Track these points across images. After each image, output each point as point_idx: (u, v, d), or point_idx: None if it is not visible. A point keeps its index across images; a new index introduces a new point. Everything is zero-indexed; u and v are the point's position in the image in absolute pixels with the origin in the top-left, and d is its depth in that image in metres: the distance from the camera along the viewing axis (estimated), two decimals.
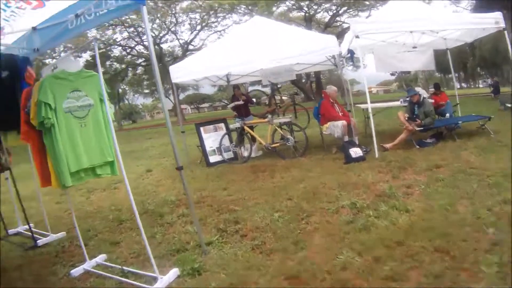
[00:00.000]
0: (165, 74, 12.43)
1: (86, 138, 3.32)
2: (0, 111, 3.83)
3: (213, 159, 8.56)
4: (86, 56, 26.98)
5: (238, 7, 31.59)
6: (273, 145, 8.10)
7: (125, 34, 34.33)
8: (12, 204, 5.55)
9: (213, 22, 35.05)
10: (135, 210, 3.15)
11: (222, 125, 9.12)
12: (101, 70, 3.30)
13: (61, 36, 3.99)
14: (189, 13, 33.69)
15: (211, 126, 9.00)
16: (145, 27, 3.51)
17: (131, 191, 3.20)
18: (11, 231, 5.46)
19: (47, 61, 23.95)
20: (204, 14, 33.51)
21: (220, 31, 35.11)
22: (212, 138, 8.80)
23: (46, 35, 4.19)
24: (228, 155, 8.70)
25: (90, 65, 18.91)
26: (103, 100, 3.45)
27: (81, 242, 3.78)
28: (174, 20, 34.30)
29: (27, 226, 4.98)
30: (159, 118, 65.05)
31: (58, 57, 23.80)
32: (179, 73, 8.47)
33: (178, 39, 37.27)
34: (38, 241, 4.69)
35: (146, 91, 50.08)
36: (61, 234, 4.87)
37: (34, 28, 4.23)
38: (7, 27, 4.22)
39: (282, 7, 32.79)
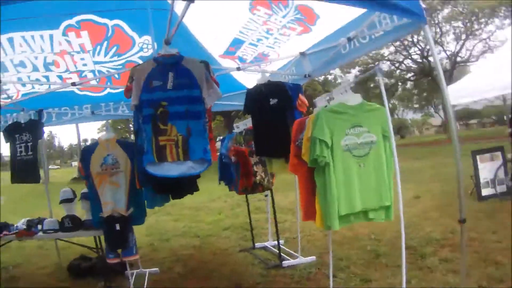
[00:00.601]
0: (435, 88, 12.01)
1: (364, 179, 3.07)
2: (269, 139, 4.00)
3: (485, 192, 7.87)
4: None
5: (497, 10, 28.71)
6: None
7: (392, 49, 35.13)
8: (265, 219, 6.32)
9: (476, 30, 32.57)
10: (403, 250, 3.02)
11: (498, 153, 8.34)
12: (387, 103, 3.04)
13: (333, 61, 4.00)
14: (452, 22, 32.20)
15: (488, 155, 8.32)
16: (430, 47, 3.10)
17: (396, 220, 3.08)
18: (258, 244, 5.99)
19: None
20: (466, 21, 31.56)
21: (485, 39, 32.70)
22: (487, 168, 8.09)
23: (317, 60, 4.21)
24: (500, 188, 7.85)
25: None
26: (387, 136, 3.14)
27: (331, 273, 3.61)
28: (438, 30, 33.18)
29: (275, 242, 5.36)
30: (427, 135, 64.78)
31: None
32: (460, 93, 7.86)
33: (444, 51, 35.75)
34: (284, 262, 4.86)
35: (416, 105, 50.99)
36: (311, 259, 4.94)
37: (302, 54, 4.32)
38: (272, 54, 4.48)
39: None
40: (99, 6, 3.56)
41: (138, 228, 7.42)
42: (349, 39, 3.62)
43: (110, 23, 3.87)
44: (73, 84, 4.25)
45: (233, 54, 4.56)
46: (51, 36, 3.91)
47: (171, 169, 3.10)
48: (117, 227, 3.89)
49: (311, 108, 4.15)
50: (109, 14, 3.75)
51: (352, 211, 3.06)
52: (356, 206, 3.06)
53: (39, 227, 4.46)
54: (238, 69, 4.44)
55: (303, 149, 3.13)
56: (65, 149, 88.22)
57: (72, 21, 3.65)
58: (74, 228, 4.30)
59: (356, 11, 3.40)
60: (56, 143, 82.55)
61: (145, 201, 4.10)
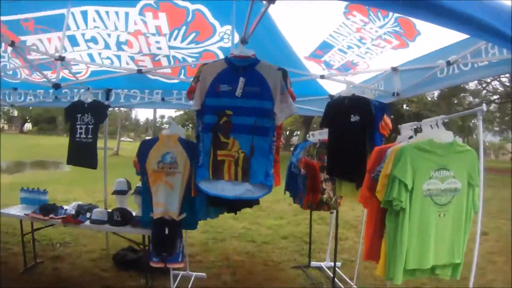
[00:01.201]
0: None
1: (441, 231, 2.94)
2: (343, 159, 3.98)
3: None
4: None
5: None
6: None
7: None
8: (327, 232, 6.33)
9: None
10: None
11: None
12: (482, 146, 2.93)
13: (427, 84, 3.86)
14: None
15: None
16: None
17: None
18: (314, 263, 6.12)
19: None
20: None
21: None
22: None
23: (409, 79, 4.07)
24: None
25: None
26: (472, 184, 2.97)
27: None
28: None
29: (331, 263, 5.47)
30: (503, 160, 63.30)
31: None
32: None
33: None
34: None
35: (496, 128, 50.36)
36: None
37: (394, 69, 4.19)
38: (361, 64, 4.33)
39: None
40: None
41: None
42: (449, 63, 3.46)
43: (191, 7, 3.90)
44: (139, 71, 4.40)
45: (320, 57, 4.54)
46: (126, 14, 4.02)
47: (226, 189, 3.06)
48: (166, 231, 3.96)
49: (393, 134, 4.04)
50: None
51: (421, 267, 2.95)
52: (427, 262, 2.94)
53: (88, 215, 4.70)
54: (322, 77, 4.40)
55: (379, 185, 3.03)
56: (141, 122, 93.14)
57: (151, 0, 3.71)
58: (122, 223, 4.50)
59: (462, 35, 3.22)
60: (133, 116, 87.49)
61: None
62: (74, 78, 5.16)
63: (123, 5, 3.91)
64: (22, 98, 6.33)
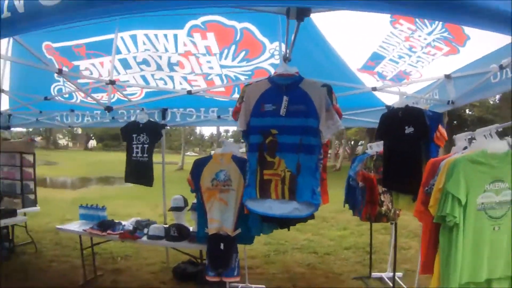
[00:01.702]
0: None
1: (496, 244, 2.88)
2: (399, 172, 3.98)
3: None
4: None
5: None
6: None
7: None
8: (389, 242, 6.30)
9: None
10: None
11: None
12: None
13: (481, 90, 3.80)
14: None
15: None
16: None
17: None
18: (375, 274, 6.17)
19: None
20: None
21: None
22: None
23: (464, 86, 4.02)
24: None
25: None
26: None
27: None
28: None
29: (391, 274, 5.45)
30: None
31: None
32: None
33: None
34: None
35: None
36: None
37: (447, 76, 4.14)
38: (414, 73, 4.31)
39: None
40: (226, 7, 3.62)
41: None
42: (501, 67, 3.40)
43: (239, 25, 4.01)
44: (189, 92, 4.59)
45: (372, 69, 4.58)
46: (175, 36, 4.19)
47: (273, 207, 3.10)
48: (221, 246, 4.11)
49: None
50: (238, 16, 3.87)
51: (475, 280, 2.91)
52: (481, 276, 2.90)
53: (146, 230, 4.94)
54: (374, 89, 4.42)
55: (432, 200, 3.02)
56: (206, 137, 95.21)
57: (198, 21, 3.86)
58: (179, 238, 4.69)
59: None
60: (198, 131, 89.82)
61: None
62: (126, 99, 5.50)
63: (171, 27, 4.09)
64: (80, 119, 6.74)
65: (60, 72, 3.94)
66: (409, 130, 3.90)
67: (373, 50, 4.20)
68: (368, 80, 4.81)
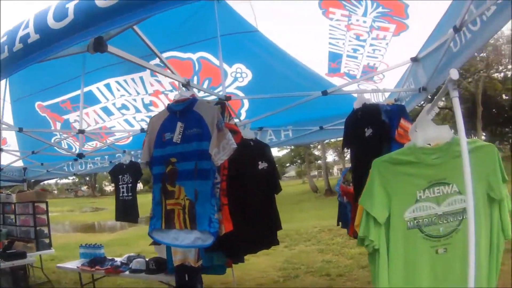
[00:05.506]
0: None
1: (443, 273, 1.76)
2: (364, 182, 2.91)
3: None
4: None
5: None
6: None
7: None
8: None
9: None
10: None
11: None
12: None
13: (446, 65, 2.61)
14: None
15: None
16: None
17: None
18: None
19: None
20: None
21: None
22: None
23: (431, 66, 2.90)
24: None
25: None
26: (496, 199, 1.76)
27: None
28: None
29: None
30: None
31: None
32: None
33: None
34: None
35: None
36: None
37: (414, 59, 3.08)
38: (379, 65, 3.30)
39: None
40: (178, 41, 3.31)
41: (275, 258, 6.76)
42: (456, 29, 2.27)
43: (194, 56, 3.56)
44: None
45: (338, 71, 3.64)
46: (141, 78, 3.85)
47: (179, 237, 2.50)
48: (186, 277, 3.54)
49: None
50: (191, 47, 3.44)
51: None
52: None
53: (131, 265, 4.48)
54: (325, 93, 3.39)
55: (357, 218, 2.01)
56: None
57: (157, 60, 3.40)
58: (157, 271, 4.15)
59: None
60: None
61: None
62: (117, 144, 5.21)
63: (136, 71, 3.81)
64: (84, 167, 6.48)
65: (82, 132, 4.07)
66: (368, 132, 2.84)
67: (327, 50, 3.27)
68: (340, 83, 3.76)
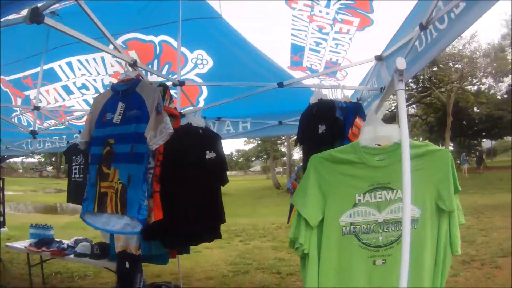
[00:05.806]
0: None
1: (380, 285, 1.62)
2: None
3: None
4: None
5: None
6: None
7: None
8: None
9: None
10: None
11: None
12: None
13: (410, 64, 2.43)
14: None
15: None
16: None
17: None
18: None
19: None
20: None
21: None
22: None
23: (393, 65, 2.79)
24: None
25: None
26: (445, 211, 1.62)
27: None
28: None
29: None
30: None
31: None
32: None
33: None
34: None
35: None
36: None
37: (378, 58, 2.92)
38: (342, 61, 3.14)
39: None
40: (141, 23, 3.18)
41: (228, 252, 6.67)
42: (422, 27, 2.11)
43: (156, 39, 3.44)
44: None
45: (300, 64, 3.48)
46: (102, 58, 3.72)
47: (110, 222, 2.36)
48: (127, 264, 3.33)
49: None
50: (154, 29, 3.32)
51: None
52: None
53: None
54: (280, 85, 3.21)
55: (291, 218, 1.88)
56: None
57: (118, 41, 3.26)
58: (102, 256, 3.99)
59: None
60: None
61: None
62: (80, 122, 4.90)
63: (97, 50, 3.51)
64: (42, 145, 6.15)
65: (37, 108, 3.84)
66: (322, 128, 2.75)
67: (290, 42, 3.11)
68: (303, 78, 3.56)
